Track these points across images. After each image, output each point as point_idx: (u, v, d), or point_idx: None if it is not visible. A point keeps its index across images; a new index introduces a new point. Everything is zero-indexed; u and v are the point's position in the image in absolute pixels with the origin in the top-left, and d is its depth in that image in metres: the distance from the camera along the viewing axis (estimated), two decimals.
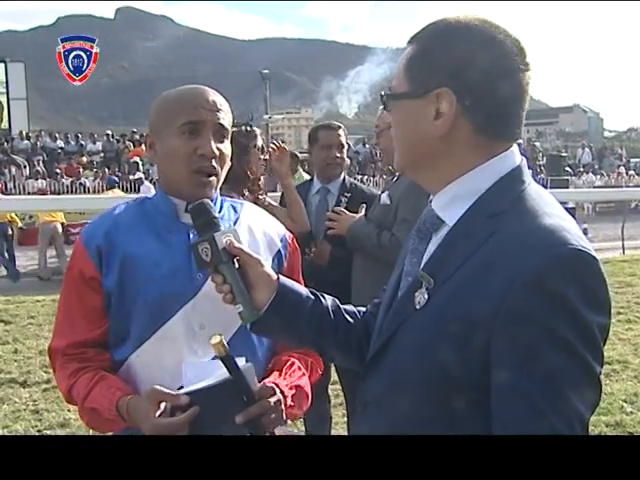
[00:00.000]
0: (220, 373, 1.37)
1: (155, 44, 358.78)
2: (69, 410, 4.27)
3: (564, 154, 19.91)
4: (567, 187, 14.23)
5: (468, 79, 1.06)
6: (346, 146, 3.57)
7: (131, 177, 16.69)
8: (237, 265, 1.33)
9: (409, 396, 1.07)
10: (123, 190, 14.35)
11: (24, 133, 21.34)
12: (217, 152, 1.53)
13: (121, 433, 1.53)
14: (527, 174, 1.12)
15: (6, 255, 10.54)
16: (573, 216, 1.09)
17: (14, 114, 24.06)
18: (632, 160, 28.92)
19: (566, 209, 1.11)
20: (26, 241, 12.26)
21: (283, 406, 1.46)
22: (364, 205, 3.29)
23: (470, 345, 0.99)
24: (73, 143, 21.06)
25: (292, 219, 3.24)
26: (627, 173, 24.93)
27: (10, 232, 10.89)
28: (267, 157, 3.25)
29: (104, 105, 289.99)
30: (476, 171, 1.10)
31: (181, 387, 1.46)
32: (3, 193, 14.82)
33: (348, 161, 3.84)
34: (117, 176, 17.37)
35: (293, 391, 1.55)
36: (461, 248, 1.06)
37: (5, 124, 23.94)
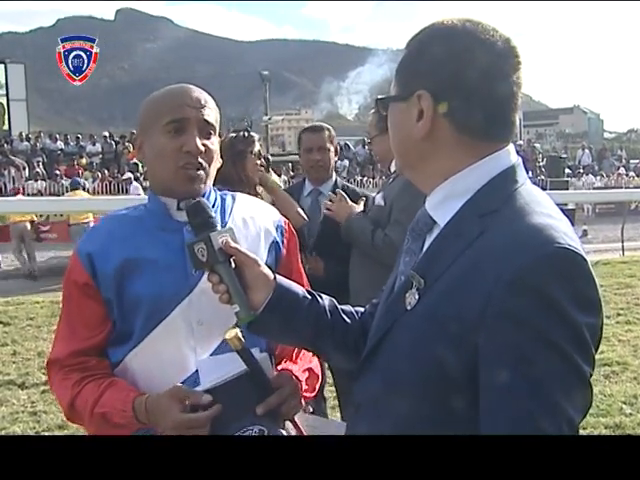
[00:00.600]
0: (235, 366, 1.38)
1: (155, 45, 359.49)
2: None
3: (564, 155, 19.96)
4: (567, 188, 14.27)
5: (449, 80, 1.08)
6: (332, 148, 3.52)
7: (111, 178, 16.71)
8: (233, 265, 1.33)
9: (405, 396, 1.07)
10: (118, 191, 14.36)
11: (24, 134, 21.36)
12: (203, 148, 1.53)
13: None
14: (522, 174, 1.12)
15: None
16: (572, 217, 1.09)
17: (14, 115, 24.10)
18: (632, 161, 28.95)
19: (566, 210, 1.11)
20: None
21: (300, 392, 1.48)
22: (364, 198, 3.31)
23: (462, 344, 0.99)
24: (73, 144, 21.07)
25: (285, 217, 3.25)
26: (627, 174, 24.94)
27: None
28: (264, 163, 3.27)
29: (104, 106, 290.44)
30: (467, 171, 1.10)
31: (183, 384, 1.46)
32: (1, 194, 14.85)
33: (345, 162, 3.85)
34: (115, 177, 17.40)
35: (306, 374, 1.57)
36: (451, 248, 1.06)
37: (5, 125, 23.96)
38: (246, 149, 3.10)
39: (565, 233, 0.99)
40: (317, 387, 1.66)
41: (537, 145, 29.21)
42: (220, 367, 1.42)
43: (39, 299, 7.95)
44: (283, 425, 1.47)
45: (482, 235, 1.03)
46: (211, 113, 1.57)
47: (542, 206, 1.06)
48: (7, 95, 23.96)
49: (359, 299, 1.65)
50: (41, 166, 18.61)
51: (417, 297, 1.08)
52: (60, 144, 20.98)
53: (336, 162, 3.78)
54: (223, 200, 1.67)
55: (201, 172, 1.54)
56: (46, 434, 4.06)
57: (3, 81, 23.99)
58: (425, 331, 1.05)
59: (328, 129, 3.57)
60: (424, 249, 1.15)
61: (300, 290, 1.34)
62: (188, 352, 1.52)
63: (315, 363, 1.65)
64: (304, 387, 1.53)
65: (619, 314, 6.75)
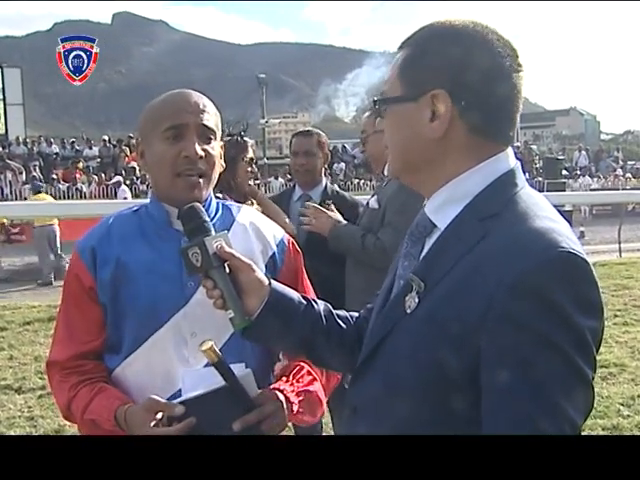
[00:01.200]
0: (218, 380, 1.35)
1: (152, 49, 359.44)
2: None
3: (561, 157, 19.96)
4: (564, 190, 14.26)
5: (463, 80, 1.06)
6: (320, 153, 3.49)
7: (108, 182, 16.69)
8: (228, 270, 1.32)
9: (406, 399, 1.06)
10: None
11: (21, 139, 21.34)
12: (202, 153, 1.52)
13: None
14: (521, 178, 1.12)
15: None
16: (570, 219, 1.09)
17: (11, 119, 24.07)
18: (629, 162, 29.00)
19: (563, 212, 1.11)
20: None
21: (287, 412, 1.44)
22: (354, 205, 3.35)
23: (463, 346, 0.99)
24: (69, 148, 21.05)
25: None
26: (624, 176, 24.99)
27: None
28: (255, 169, 3.24)
29: (101, 110, 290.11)
30: (467, 174, 1.10)
31: (174, 395, 1.45)
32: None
33: (342, 165, 3.86)
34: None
35: (301, 397, 1.52)
36: (452, 251, 1.05)
37: (2, 130, 23.93)
38: (238, 156, 3.06)
39: (568, 237, 1.00)
40: (320, 412, 1.61)
41: (534, 147, 29.33)
42: (203, 379, 1.40)
43: (35, 303, 7.93)
44: None
45: (483, 239, 1.02)
46: (211, 118, 1.55)
47: (543, 210, 1.06)
48: (4, 99, 23.96)
49: (355, 303, 1.64)
50: (38, 170, 18.59)
51: (417, 301, 1.07)
52: (56, 148, 20.95)
53: (331, 166, 3.78)
54: (228, 209, 1.65)
55: (201, 179, 1.53)
56: None
57: (0, 85, 23.96)
58: (425, 334, 1.04)
59: (319, 134, 3.55)
60: (423, 253, 1.14)
61: (295, 295, 1.33)
62: (181, 363, 1.51)
63: (317, 387, 1.59)
64: (297, 409, 1.48)
65: (616, 315, 6.75)
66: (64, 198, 16.69)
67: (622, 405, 4.45)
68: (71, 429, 4.01)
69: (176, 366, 1.50)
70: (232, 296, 1.29)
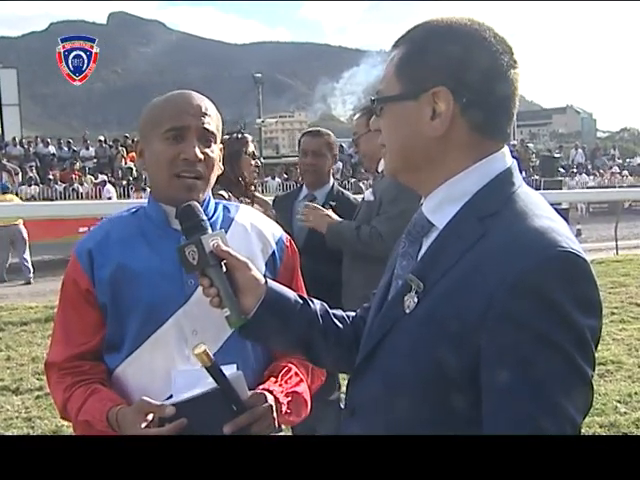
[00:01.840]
0: (210, 381, 1.35)
1: (148, 49, 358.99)
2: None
3: (557, 155, 20.00)
4: (560, 188, 14.31)
5: (463, 77, 1.06)
6: (328, 154, 3.49)
7: (94, 180, 16.62)
8: (225, 269, 1.32)
9: (406, 398, 1.06)
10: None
11: (17, 139, 21.28)
12: (201, 156, 1.52)
13: None
14: (518, 176, 1.12)
15: None
16: (566, 217, 1.09)
17: (7, 120, 23.99)
18: (625, 160, 29.05)
19: (559, 210, 1.11)
20: None
21: (276, 413, 1.44)
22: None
23: (463, 345, 0.99)
24: (66, 149, 21.00)
25: None
26: (620, 173, 25.01)
27: None
28: (258, 163, 3.29)
29: (98, 110, 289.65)
30: (464, 173, 1.10)
31: (171, 395, 1.45)
32: None
33: (339, 164, 3.87)
34: (110, 182, 17.31)
35: (289, 398, 1.52)
36: (451, 251, 1.05)
37: None
38: (240, 149, 3.12)
39: (567, 236, 1.00)
40: (304, 413, 1.62)
41: (531, 145, 29.29)
42: (196, 380, 1.40)
43: (32, 304, 7.92)
44: None
45: (483, 237, 1.02)
46: (212, 121, 1.56)
47: (541, 209, 1.06)
48: (0, 100, 23.86)
49: (352, 300, 1.64)
50: (34, 171, 18.54)
51: (416, 300, 1.07)
52: (52, 149, 20.90)
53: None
54: (226, 209, 1.66)
55: (199, 181, 1.54)
56: None
57: None
58: (425, 333, 1.04)
59: (328, 135, 3.55)
60: (421, 252, 1.14)
61: (292, 295, 1.33)
62: (181, 362, 1.51)
63: (303, 388, 1.60)
64: (285, 410, 1.49)
65: (613, 313, 6.76)
66: (61, 199, 16.66)
67: (619, 402, 4.46)
68: (68, 429, 4.01)
69: (177, 364, 1.51)
70: (228, 294, 1.29)
